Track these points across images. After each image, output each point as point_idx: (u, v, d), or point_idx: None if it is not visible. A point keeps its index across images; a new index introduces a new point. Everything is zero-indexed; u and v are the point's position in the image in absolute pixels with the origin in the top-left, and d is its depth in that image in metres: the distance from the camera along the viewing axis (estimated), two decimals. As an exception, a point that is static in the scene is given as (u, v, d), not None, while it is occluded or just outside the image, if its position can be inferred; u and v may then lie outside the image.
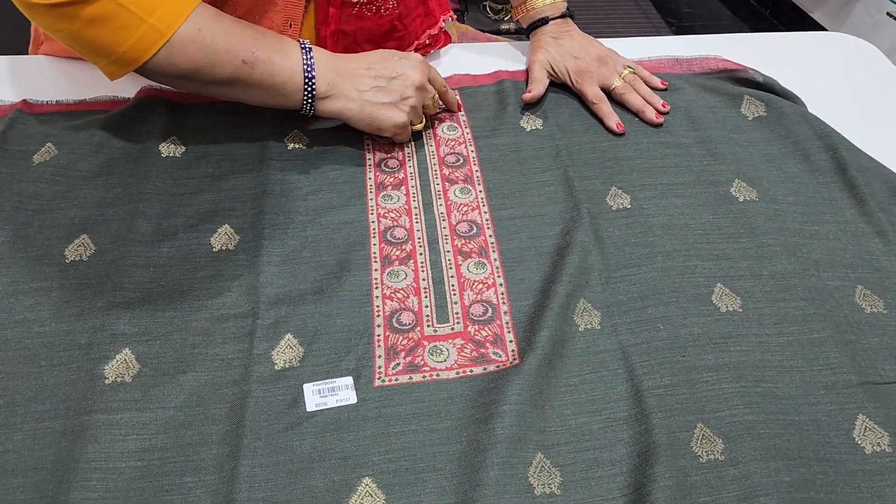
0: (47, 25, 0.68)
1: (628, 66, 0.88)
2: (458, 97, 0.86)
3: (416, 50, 0.92)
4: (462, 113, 0.85)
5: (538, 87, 0.86)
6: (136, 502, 0.53)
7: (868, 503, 0.54)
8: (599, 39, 0.93)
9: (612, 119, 0.84)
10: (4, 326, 0.62)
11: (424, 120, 0.81)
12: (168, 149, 0.78)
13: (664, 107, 0.85)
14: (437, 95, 0.81)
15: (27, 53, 0.93)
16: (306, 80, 0.73)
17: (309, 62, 0.73)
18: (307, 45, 0.74)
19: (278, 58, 0.72)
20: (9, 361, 0.60)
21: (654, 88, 0.88)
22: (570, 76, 0.87)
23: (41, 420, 0.57)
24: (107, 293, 0.64)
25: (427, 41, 0.93)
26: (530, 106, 0.86)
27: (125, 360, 0.60)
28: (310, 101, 0.74)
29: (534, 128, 0.84)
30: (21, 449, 0.55)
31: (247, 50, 0.70)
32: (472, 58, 0.95)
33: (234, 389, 0.59)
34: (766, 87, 0.88)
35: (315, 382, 0.60)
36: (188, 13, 0.68)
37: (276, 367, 0.61)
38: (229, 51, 0.70)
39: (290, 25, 0.79)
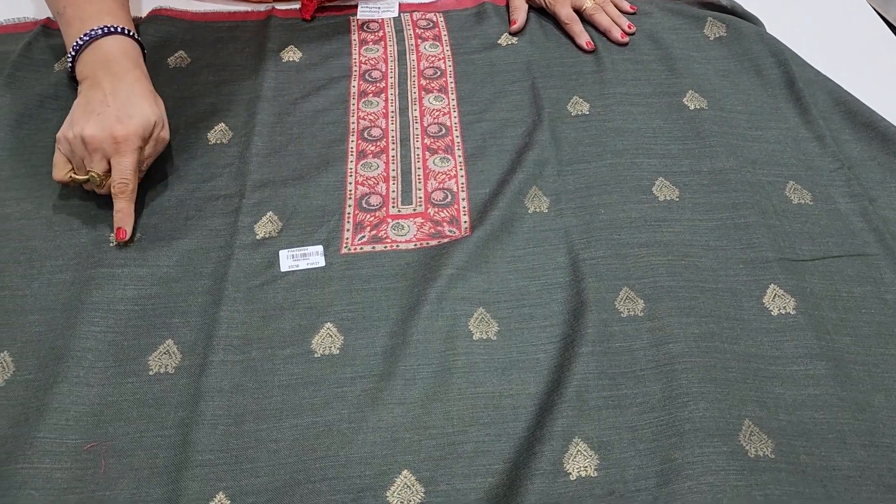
0: None
1: (600, -10, 0.94)
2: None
3: None
4: (445, 32, 0.93)
5: (520, 14, 0.93)
6: (132, 336, 0.62)
7: (767, 353, 0.61)
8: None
9: (583, 38, 0.90)
10: (26, 199, 0.71)
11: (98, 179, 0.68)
12: (175, 60, 0.87)
13: (630, 28, 0.91)
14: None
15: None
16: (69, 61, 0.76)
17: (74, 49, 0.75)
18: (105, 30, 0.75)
19: (71, 29, 0.76)
20: (29, 227, 0.69)
21: (623, 11, 0.94)
22: (545, 0, 0.94)
23: (55, 272, 0.66)
24: None
25: None
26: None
27: (128, 227, 0.69)
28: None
29: (509, 43, 0.91)
30: (37, 293, 0.65)
31: (61, 4, 0.77)
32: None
33: (219, 253, 0.68)
34: (730, 11, 0.94)
35: (289, 249, 0.68)
36: None
37: (256, 237, 0.69)
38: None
39: None
